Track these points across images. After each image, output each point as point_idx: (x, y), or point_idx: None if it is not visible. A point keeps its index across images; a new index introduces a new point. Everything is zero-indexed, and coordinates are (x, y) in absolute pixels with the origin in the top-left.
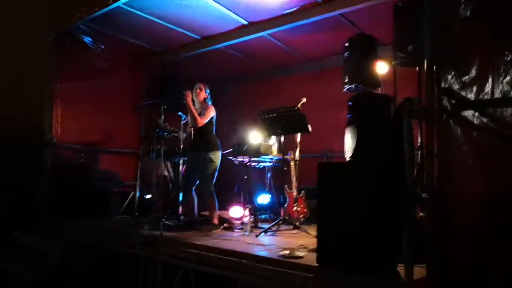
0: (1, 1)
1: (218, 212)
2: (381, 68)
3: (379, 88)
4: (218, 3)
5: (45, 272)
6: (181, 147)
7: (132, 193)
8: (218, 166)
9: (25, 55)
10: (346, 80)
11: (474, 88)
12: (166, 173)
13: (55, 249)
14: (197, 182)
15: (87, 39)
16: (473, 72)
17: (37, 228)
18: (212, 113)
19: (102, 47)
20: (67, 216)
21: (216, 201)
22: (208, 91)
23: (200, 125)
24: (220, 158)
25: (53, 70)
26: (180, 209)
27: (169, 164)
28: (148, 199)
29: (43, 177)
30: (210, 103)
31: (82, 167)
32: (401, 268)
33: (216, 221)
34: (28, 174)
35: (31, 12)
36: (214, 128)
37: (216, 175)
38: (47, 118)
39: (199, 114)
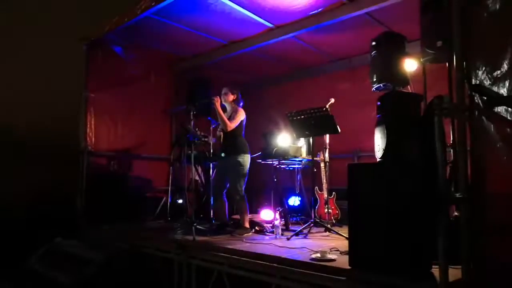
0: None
1: (249, 216)
2: (410, 65)
3: (408, 86)
4: (243, 8)
5: (86, 278)
6: (211, 151)
7: (164, 198)
8: (248, 169)
9: (60, 65)
10: (374, 79)
11: (507, 83)
12: (197, 178)
13: (95, 255)
14: (228, 186)
15: (118, 49)
16: (505, 67)
17: (77, 234)
18: (242, 116)
19: (132, 56)
20: (103, 222)
21: (247, 204)
22: (236, 93)
23: (229, 129)
24: (249, 161)
25: (87, 80)
26: (212, 213)
27: (199, 169)
28: (180, 203)
29: (80, 185)
30: (240, 106)
31: (116, 174)
32: (435, 270)
33: (247, 224)
34: (66, 182)
35: (65, 20)
36: (243, 131)
37: (246, 178)
38: (82, 127)
39: (229, 118)
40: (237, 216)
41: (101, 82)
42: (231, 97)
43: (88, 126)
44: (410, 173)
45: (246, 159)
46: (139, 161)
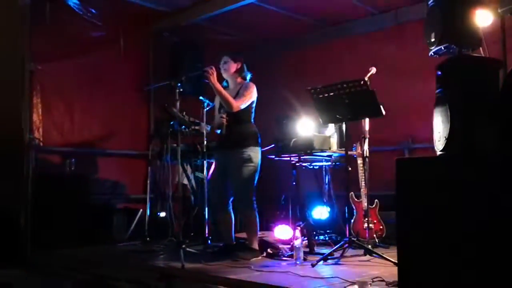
0: None
1: (259, 234)
2: (483, 19)
3: (481, 49)
4: None
5: None
6: (205, 144)
7: (142, 210)
8: (259, 167)
9: None
10: (433, 40)
11: None
12: (185, 182)
13: None
14: (231, 192)
15: (73, 2)
16: None
17: (19, 262)
18: (254, 94)
19: (93, 11)
20: (56, 244)
21: (257, 218)
22: (240, 61)
23: (236, 109)
24: (260, 157)
25: (30, 47)
26: (207, 230)
27: (189, 169)
28: (162, 217)
29: (24, 193)
30: (248, 79)
31: (74, 177)
32: None
33: (256, 245)
34: (4, 189)
35: None
36: (253, 116)
37: (256, 180)
38: (25, 113)
39: (235, 97)
40: (242, 234)
41: (50, 49)
42: (234, 67)
43: (35, 111)
44: (487, 170)
45: (257, 154)
46: (105, 159)
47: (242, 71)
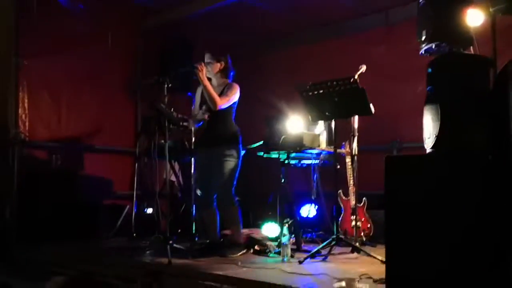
0: None
1: (246, 231)
2: (474, 18)
3: (471, 48)
4: None
5: None
6: (193, 140)
7: (128, 206)
8: (239, 165)
9: None
10: (423, 38)
11: None
12: (173, 178)
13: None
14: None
15: None
16: None
17: (4, 257)
18: (237, 94)
19: (82, 6)
20: (42, 239)
21: (240, 213)
22: (225, 61)
23: (219, 106)
24: (240, 155)
25: (17, 41)
26: (194, 227)
27: (176, 166)
28: (149, 214)
29: (9, 188)
30: (231, 77)
31: (60, 173)
32: None
33: (241, 239)
34: None
35: None
36: (234, 115)
37: (237, 175)
38: (11, 107)
39: (220, 95)
40: (228, 231)
41: (38, 44)
42: (217, 67)
43: (21, 106)
44: (476, 169)
45: (237, 153)
46: (92, 154)
47: (226, 70)
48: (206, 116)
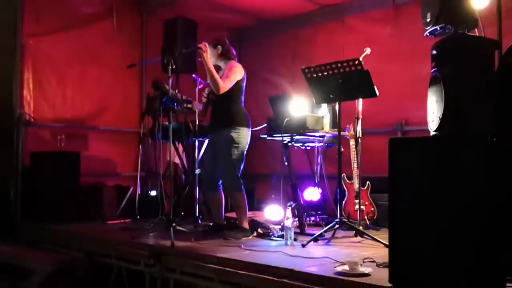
0: None
1: (249, 214)
2: (479, 0)
3: (476, 30)
4: None
5: None
6: (197, 123)
7: (132, 188)
8: (246, 148)
9: None
10: (428, 19)
11: None
12: (176, 160)
13: (36, 266)
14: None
15: None
16: None
17: (9, 235)
18: (239, 73)
19: None
20: (47, 219)
21: (245, 197)
22: (221, 44)
23: (222, 90)
24: (248, 138)
25: (22, 20)
26: (198, 209)
27: (180, 148)
28: (153, 196)
29: (14, 167)
30: (231, 59)
31: (64, 153)
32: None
33: (246, 225)
34: None
35: None
36: (243, 97)
37: (243, 160)
38: (16, 87)
39: (221, 78)
40: (232, 214)
41: (43, 23)
42: (215, 53)
43: (26, 86)
44: (479, 152)
45: (243, 134)
46: (96, 135)
47: (226, 53)
48: (204, 100)
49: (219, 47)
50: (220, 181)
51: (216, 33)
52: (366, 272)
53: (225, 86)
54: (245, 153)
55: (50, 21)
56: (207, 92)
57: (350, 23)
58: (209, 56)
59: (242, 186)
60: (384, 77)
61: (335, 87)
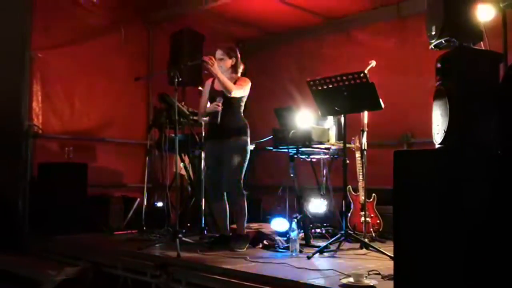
0: None
1: (255, 225)
2: (484, 13)
3: (482, 43)
4: None
5: None
6: (203, 135)
7: (139, 199)
8: (248, 156)
9: None
10: (433, 32)
11: None
12: (183, 172)
13: (43, 278)
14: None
15: None
16: None
17: (17, 247)
18: (248, 87)
19: (95, 0)
20: (54, 230)
21: (245, 203)
22: (235, 56)
23: (233, 93)
24: (249, 146)
25: (31, 34)
26: (203, 220)
27: (186, 159)
28: (159, 207)
29: (22, 179)
30: (238, 74)
31: (72, 164)
32: None
33: (244, 231)
34: (3, 175)
35: None
36: (242, 110)
37: (245, 167)
38: (25, 100)
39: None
40: (235, 226)
41: (51, 37)
42: (229, 63)
43: (34, 98)
44: (486, 165)
45: (247, 144)
46: (104, 146)
47: (236, 67)
48: (219, 108)
49: (234, 58)
50: (225, 192)
51: (231, 44)
52: (371, 284)
53: (236, 90)
54: (247, 162)
55: (58, 35)
56: (219, 101)
57: (355, 35)
58: (220, 65)
59: (244, 193)
60: (389, 89)
61: (340, 100)
